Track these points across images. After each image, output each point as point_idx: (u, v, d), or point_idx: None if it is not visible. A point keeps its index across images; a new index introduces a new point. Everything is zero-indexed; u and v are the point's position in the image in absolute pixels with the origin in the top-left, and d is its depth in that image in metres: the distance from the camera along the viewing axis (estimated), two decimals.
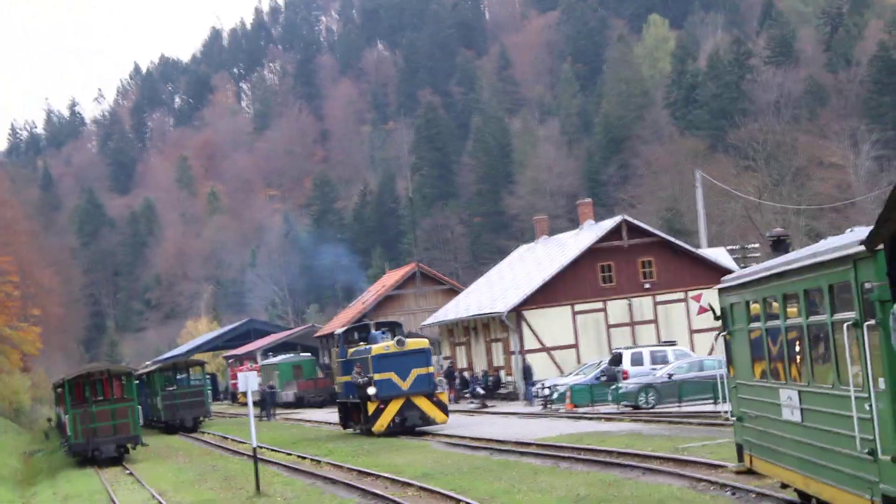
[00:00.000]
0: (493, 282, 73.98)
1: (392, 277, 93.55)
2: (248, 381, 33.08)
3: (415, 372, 48.74)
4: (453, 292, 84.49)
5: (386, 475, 33.26)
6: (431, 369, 49.82)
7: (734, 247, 73.53)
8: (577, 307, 64.16)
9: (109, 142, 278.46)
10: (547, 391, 56.25)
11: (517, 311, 63.67)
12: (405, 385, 48.63)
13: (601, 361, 57.37)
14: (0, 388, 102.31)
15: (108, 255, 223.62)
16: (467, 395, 67.33)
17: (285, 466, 39.48)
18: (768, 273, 19.12)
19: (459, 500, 26.38)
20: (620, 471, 29.28)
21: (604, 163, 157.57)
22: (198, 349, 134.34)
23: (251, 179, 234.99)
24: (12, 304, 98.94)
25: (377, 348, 49.38)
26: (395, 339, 49.83)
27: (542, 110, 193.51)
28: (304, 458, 42.51)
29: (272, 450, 47.18)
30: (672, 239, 67.23)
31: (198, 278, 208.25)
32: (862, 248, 14.86)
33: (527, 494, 26.69)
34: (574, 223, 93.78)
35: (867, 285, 14.88)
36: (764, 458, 20.60)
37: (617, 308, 64.61)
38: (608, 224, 66.48)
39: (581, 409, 51.54)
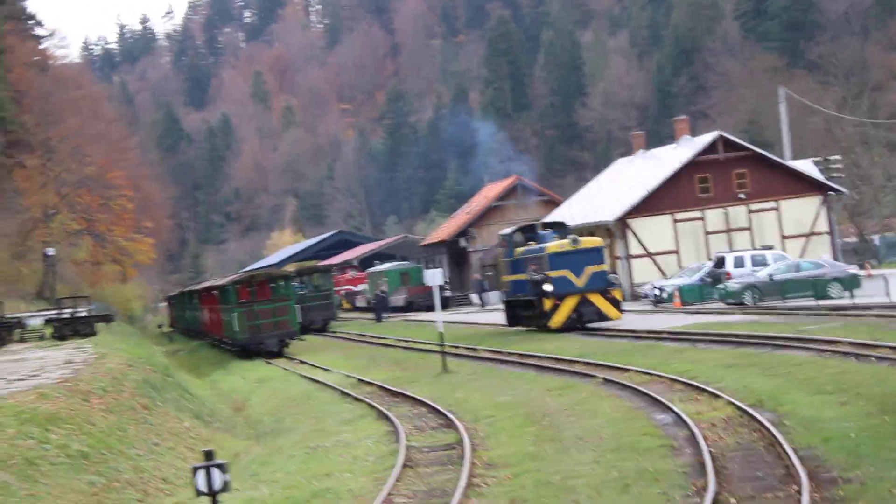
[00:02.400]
0: (594, 193, 79.63)
1: (494, 189, 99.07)
2: (435, 277, 39.44)
3: (589, 269, 49.77)
4: (553, 203, 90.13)
5: (547, 356, 39.36)
6: (605, 266, 51.13)
7: (817, 158, 78.62)
8: (678, 216, 69.82)
9: (183, 57, 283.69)
10: (657, 291, 62.02)
11: (622, 220, 69.29)
12: (580, 282, 49.68)
13: (702, 265, 63.07)
14: (118, 296, 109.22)
15: (188, 168, 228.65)
16: None
17: (453, 355, 44.54)
18: None
19: (628, 369, 32.23)
20: (753, 347, 35.15)
21: (674, 75, 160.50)
22: (290, 260, 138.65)
23: (324, 94, 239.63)
24: (128, 217, 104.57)
25: (552, 246, 50.62)
26: (570, 237, 51.21)
27: (612, 23, 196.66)
28: (459, 346, 47.83)
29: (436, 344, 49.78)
30: (764, 153, 72.53)
31: (276, 192, 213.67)
32: None
33: (681, 364, 32.55)
34: (651, 135, 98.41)
35: None
36: None
37: (714, 216, 70.23)
38: (706, 139, 71.97)
39: (690, 307, 57.24)
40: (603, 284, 49.94)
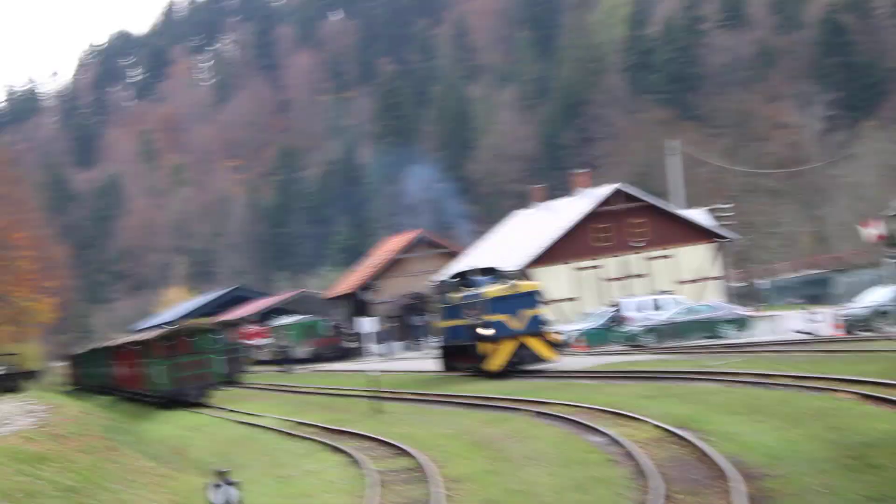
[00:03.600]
0: (496, 244, 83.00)
1: (397, 242, 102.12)
2: (370, 325, 42.22)
3: (526, 313, 50.57)
4: (454, 255, 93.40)
5: (470, 394, 42.34)
6: (542, 310, 51.71)
7: (708, 207, 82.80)
8: (578, 264, 73.50)
9: (71, 117, 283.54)
10: (563, 336, 65.27)
11: (525, 270, 72.65)
12: (518, 326, 50.43)
13: (604, 310, 66.57)
14: (21, 357, 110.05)
15: (74, 229, 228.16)
16: None
17: (381, 398, 46.91)
18: None
19: (555, 403, 35.23)
20: (666, 381, 38.40)
21: (562, 128, 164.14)
22: (188, 316, 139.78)
23: (213, 151, 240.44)
24: (30, 277, 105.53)
25: (491, 291, 51.58)
26: (510, 282, 52.41)
27: (500, 77, 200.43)
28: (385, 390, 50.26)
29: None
30: (660, 203, 76.48)
31: (165, 249, 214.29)
32: None
33: (602, 397, 35.60)
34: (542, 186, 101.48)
35: None
36: None
37: (613, 264, 74.02)
38: (605, 191, 75.83)
39: (595, 350, 60.57)
40: (540, 327, 50.87)
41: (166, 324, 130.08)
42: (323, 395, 56.32)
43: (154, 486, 31.26)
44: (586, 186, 79.82)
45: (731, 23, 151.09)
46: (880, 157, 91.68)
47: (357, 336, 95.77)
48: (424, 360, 71.15)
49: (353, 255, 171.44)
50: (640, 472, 21.87)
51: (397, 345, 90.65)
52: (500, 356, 50.30)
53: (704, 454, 22.74)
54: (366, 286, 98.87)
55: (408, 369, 65.10)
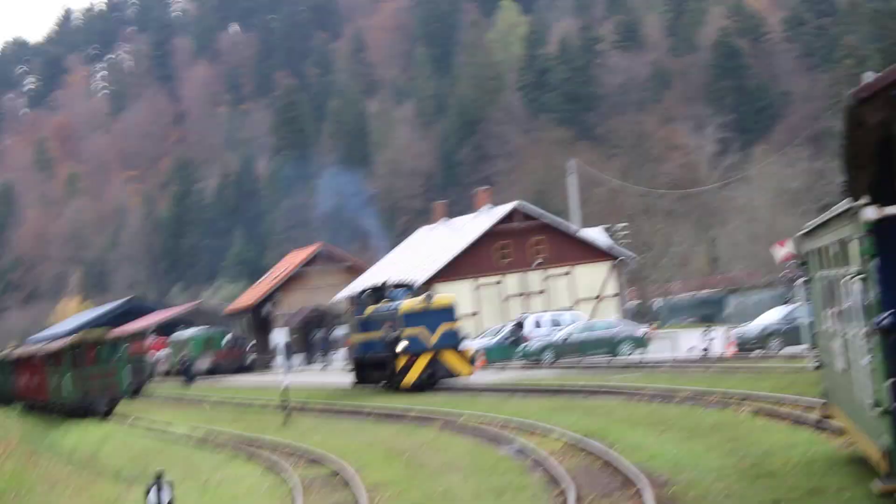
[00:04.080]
0: (399, 259, 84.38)
1: (298, 256, 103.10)
2: (281, 336, 43.38)
3: (442, 327, 51.05)
4: (357, 269, 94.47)
5: (379, 407, 43.66)
6: (457, 325, 52.42)
7: (605, 226, 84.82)
8: (479, 281, 75.12)
9: None
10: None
11: (428, 285, 73.97)
12: (433, 340, 50.83)
13: (503, 326, 68.06)
14: None
15: None
16: None
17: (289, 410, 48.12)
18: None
19: (462, 414, 36.61)
20: (569, 396, 39.95)
21: (459, 144, 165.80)
22: (82, 327, 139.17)
23: (109, 161, 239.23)
24: None
25: (406, 305, 52.00)
26: (425, 295, 53.04)
27: (398, 92, 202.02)
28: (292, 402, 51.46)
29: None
30: (558, 222, 78.32)
31: (59, 260, 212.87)
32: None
33: (509, 410, 37.02)
34: (434, 201, 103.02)
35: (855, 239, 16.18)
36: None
37: (512, 281, 75.78)
38: (505, 209, 77.59)
39: (496, 365, 62.00)
40: (455, 342, 51.45)
41: (68, 334, 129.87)
42: (231, 406, 57.26)
43: (76, 493, 32.14)
44: (488, 204, 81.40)
45: (627, 44, 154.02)
46: (772, 181, 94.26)
47: (256, 349, 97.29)
48: (327, 374, 72.29)
49: (250, 267, 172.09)
50: (553, 479, 23.25)
51: (298, 358, 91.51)
52: (414, 371, 50.55)
53: (612, 463, 24.18)
54: (267, 299, 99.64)
55: (313, 382, 66.08)
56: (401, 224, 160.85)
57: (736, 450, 24.04)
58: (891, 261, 14.66)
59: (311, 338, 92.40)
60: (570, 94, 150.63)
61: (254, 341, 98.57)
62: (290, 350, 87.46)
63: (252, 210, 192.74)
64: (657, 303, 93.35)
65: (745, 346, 50.05)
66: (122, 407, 62.64)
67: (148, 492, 22.08)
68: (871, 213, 15.14)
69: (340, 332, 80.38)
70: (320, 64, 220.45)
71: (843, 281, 17.50)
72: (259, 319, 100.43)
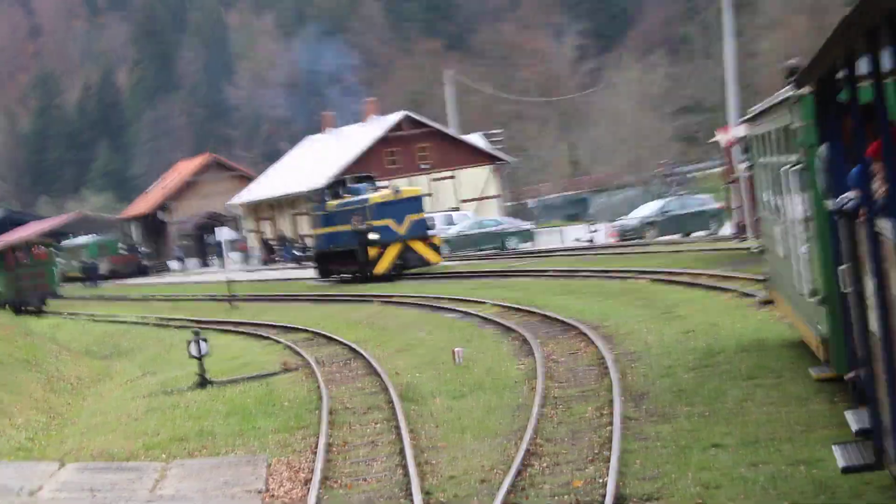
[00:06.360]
0: (290, 167, 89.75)
1: (188, 166, 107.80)
2: (224, 234, 48.73)
3: (410, 217, 52.81)
4: (246, 178, 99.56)
5: (309, 293, 49.39)
6: (424, 215, 54.29)
7: (482, 133, 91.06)
8: None
9: None
10: None
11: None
12: (402, 230, 52.52)
13: None
14: None
15: None
16: (278, 259, 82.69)
17: (227, 299, 52.87)
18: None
19: (396, 295, 42.48)
20: (482, 279, 46.03)
21: (323, 54, 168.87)
22: None
23: None
24: None
25: (375, 197, 53.62)
26: (392, 187, 54.87)
27: (257, 3, 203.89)
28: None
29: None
30: (443, 128, 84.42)
31: None
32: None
33: (433, 289, 42.77)
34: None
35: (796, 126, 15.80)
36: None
37: (402, 184, 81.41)
38: (393, 118, 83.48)
39: None
40: (423, 231, 53.35)
41: None
42: (163, 300, 62.20)
43: (74, 363, 37.51)
44: (374, 114, 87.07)
45: None
46: (632, 86, 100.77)
47: (151, 254, 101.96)
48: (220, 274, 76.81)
49: (116, 178, 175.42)
50: (506, 329, 29.23)
51: (193, 262, 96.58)
52: (385, 260, 52.27)
53: (549, 316, 30.23)
54: (160, 207, 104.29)
55: (221, 279, 71.11)
56: (263, 131, 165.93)
57: (647, 304, 30.23)
58: (836, 147, 13.05)
59: (204, 242, 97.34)
60: (429, 3, 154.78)
61: (147, 248, 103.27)
62: (187, 253, 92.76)
63: (115, 122, 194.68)
64: (531, 203, 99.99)
65: (626, 235, 56.90)
66: (53, 305, 67.78)
67: (189, 344, 27.67)
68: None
69: (228, 235, 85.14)
70: None
71: (784, 169, 17.25)
72: (153, 226, 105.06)
